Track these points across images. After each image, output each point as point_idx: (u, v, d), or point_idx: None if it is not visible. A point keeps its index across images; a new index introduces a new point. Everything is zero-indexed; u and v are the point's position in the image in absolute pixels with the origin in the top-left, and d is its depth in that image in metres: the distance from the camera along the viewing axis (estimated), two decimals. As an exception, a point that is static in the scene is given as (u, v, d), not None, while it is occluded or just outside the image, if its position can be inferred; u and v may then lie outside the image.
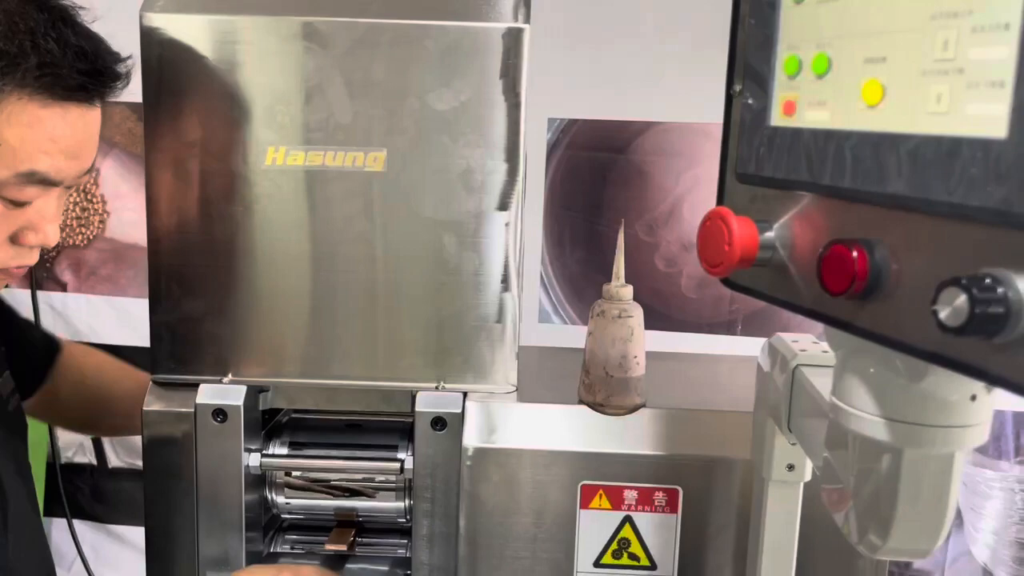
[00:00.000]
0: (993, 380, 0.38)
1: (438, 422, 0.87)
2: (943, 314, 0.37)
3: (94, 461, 2.02)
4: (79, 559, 1.92)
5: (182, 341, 0.91)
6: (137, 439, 0.98)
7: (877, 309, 0.44)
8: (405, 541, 0.99)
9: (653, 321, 0.88)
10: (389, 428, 0.95)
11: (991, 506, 1.66)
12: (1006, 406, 1.63)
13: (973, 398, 0.47)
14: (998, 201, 0.37)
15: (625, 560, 0.86)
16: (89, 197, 1.92)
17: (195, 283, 0.90)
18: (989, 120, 0.37)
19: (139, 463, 1.89)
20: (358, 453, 0.93)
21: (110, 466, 2.02)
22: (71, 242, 1.92)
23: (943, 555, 1.68)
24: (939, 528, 0.50)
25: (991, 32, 0.37)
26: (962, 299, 0.36)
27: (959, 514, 1.66)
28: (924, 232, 0.41)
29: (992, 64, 0.37)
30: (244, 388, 0.89)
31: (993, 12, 0.37)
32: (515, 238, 0.89)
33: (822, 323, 0.50)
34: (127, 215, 1.91)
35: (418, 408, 0.88)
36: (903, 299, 0.43)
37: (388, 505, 0.95)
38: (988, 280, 0.36)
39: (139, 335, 1.86)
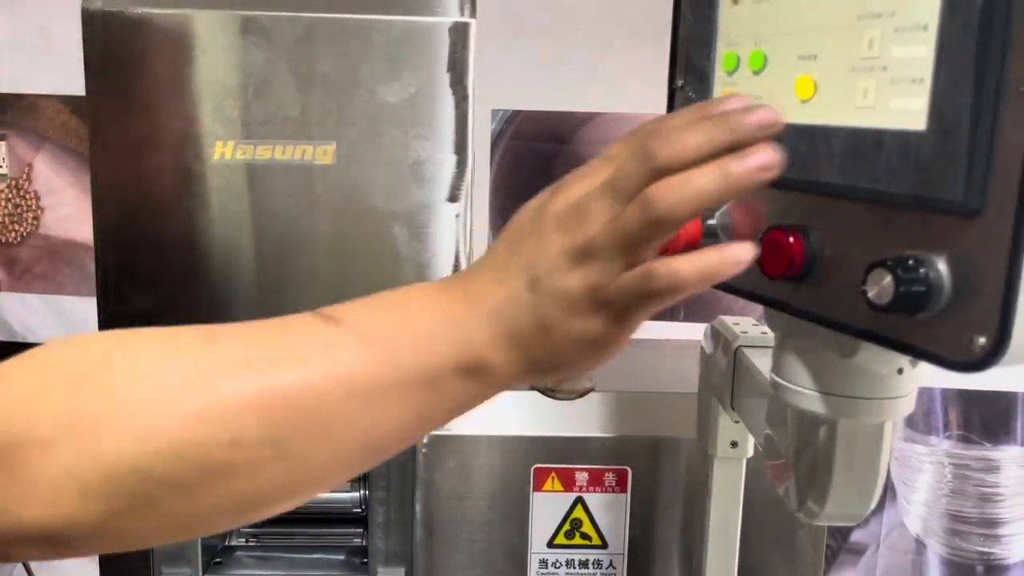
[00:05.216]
0: (917, 353, 0.41)
1: (392, 411, 0.89)
2: (871, 293, 0.40)
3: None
4: (21, 563, 1.88)
5: (132, 337, 0.90)
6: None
7: (812, 291, 0.47)
8: (360, 530, 1.00)
9: (598, 309, 0.90)
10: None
11: (922, 479, 1.73)
12: (935, 383, 1.69)
13: (900, 371, 0.50)
14: (919, 188, 0.40)
15: (577, 540, 0.89)
16: (22, 193, 1.87)
17: (144, 279, 0.89)
18: (910, 114, 0.40)
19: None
20: (313, 444, 0.94)
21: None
22: (3, 239, 1.87)
23: (878, 528, 1.75)
24: (872, 493, 0.54)
25: (912, 32, 0.40)
26: (888, 279, 0.39)
27: (892, 487, 1.72)
28: (854, 218, 0.44)
29: (913, 62, 0.40)
30: (197, 383, 0.89)
31: (913, 14, 0.40)
32: (465, 229, 0.90)
33: (762, 305, 0.52)
34: (62, 210, 1.86)
35: (372, 398, 0.89)
36: (836, 281, 0.45)
37: (344, 495, 0.96)
38: (911, 261, 0.39)
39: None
